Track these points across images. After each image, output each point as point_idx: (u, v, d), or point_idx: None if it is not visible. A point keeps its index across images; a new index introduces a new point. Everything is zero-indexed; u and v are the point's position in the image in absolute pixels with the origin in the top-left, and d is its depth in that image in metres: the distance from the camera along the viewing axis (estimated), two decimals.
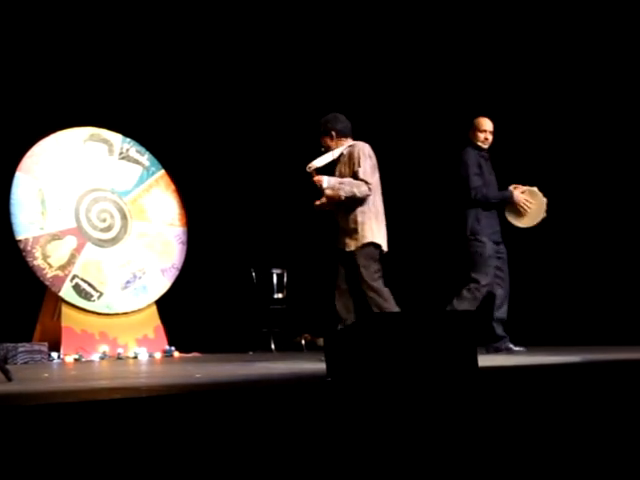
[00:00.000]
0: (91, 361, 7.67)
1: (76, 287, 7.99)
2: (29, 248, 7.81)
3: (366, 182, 5.89)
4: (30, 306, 8.08)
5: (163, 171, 8.84)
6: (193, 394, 3.53)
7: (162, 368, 6.63)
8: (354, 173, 5.93)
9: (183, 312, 8.66)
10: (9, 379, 4.59)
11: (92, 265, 8.16)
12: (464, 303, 6.18)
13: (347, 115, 6.17)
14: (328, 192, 5.94)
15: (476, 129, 6.50)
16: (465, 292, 6.23)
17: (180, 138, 9.14)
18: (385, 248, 5.98)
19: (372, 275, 5.85)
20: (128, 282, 8.32)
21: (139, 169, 8.69)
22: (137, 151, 8.70)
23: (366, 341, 3.57)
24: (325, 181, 5.94)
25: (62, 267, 7.95)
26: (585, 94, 7.83)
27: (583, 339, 6.84)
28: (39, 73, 8.38)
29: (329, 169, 6.15)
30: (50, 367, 6.82)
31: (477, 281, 6.26)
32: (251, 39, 9.13)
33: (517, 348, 6.30)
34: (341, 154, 6.07)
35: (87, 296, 8.05)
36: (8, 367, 4.82)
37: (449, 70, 8.49)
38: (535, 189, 6.48)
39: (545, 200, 6.45)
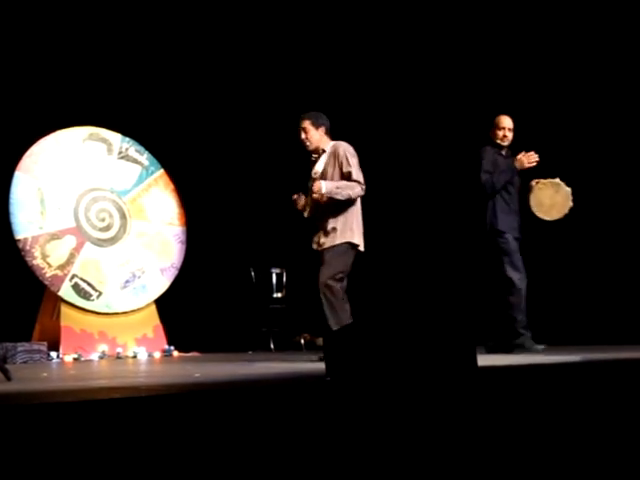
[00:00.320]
0: (90, 360, 7.67)
1: (75, 286, 7.99)
2: (28, 247, 7.81)
3: (359, 182, 5.87)
4: (29, 305, 8.08)
5: (162, 170, 8.83)
6: (192, 394, 3.52)
7: (161, 367, 6.63)
8: (347, 174, 5.85)
9: (182, 311, 8.65)
10: (8, 378, 4.58)
11: (91, 264, 8.15)
12: (518, 310, 6.26)
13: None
14: (326, 198, 5.83)
15: (495, 127, 6.50)
16: (512, 298, 6.27)
17: (179, 137, 9.12)
18: (362, 248, 5.91)
19: (333, 274, 5.74)
20: (127, 281, 8.31)
21: (138, 168, 8.68)
22: (136, 150, 8.69)
23: (366, 341, 3.57)
24: (323, 187, 5.82)
25: (61, 266, 7.94)
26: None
27: (583, 339, 6.84)
28: (39, 73, 8.37)
29: (306, 166, 6.10)
30: (49, 366, 6.82)
31: (512, 280, 6.29)
32: (251, 40, 9.12)
33: (539, 347, 6.26)
34: (323, 152, 6.01)
35: (86, 295, 8.04)
36: (7, 366, 4.82)
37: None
38: (557, 180, 6.40)
39: (569, 189, 6.38)
